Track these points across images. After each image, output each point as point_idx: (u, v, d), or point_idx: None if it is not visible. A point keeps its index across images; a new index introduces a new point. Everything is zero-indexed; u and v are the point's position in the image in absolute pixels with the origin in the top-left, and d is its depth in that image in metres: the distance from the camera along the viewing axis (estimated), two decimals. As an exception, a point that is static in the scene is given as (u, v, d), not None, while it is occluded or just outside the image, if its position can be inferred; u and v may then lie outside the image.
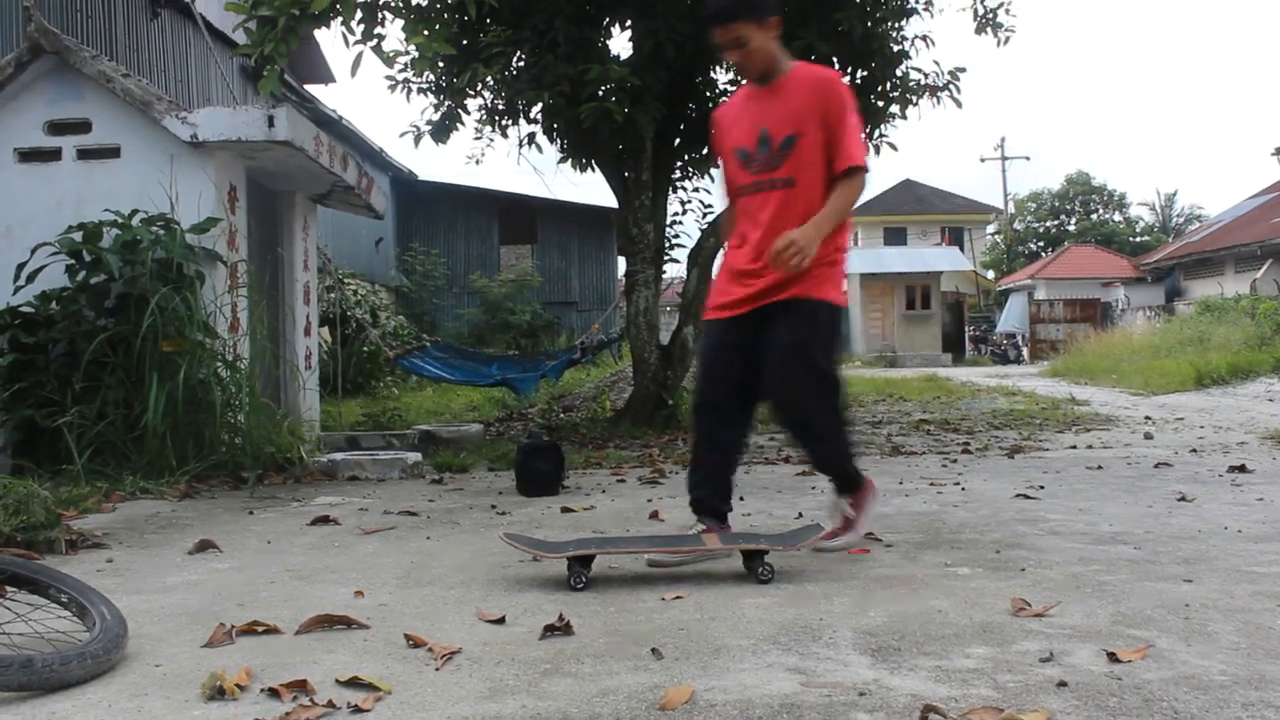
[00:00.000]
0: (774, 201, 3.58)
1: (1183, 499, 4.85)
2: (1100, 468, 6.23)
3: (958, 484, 5.56)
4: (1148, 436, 8.38)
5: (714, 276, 3.74)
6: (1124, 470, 6.13)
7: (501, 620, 2.76)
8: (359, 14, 6.39)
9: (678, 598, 3.00)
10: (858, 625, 2.67)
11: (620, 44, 40.80)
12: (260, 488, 5.67)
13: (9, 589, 2.64)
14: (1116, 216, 56.42)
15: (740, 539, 3.51)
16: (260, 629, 2.70)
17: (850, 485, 3.78)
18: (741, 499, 5.01)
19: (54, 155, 6.61)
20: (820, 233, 3.42)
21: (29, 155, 6.62)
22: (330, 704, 2.09)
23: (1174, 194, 63.04)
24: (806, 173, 3.55)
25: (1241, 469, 5.94)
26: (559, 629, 2.63)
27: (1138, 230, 55.27)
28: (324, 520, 4.53)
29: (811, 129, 3.54)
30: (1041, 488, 5.32)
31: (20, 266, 6.03)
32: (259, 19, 6.28)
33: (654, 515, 4.55)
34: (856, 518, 3.77)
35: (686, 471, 3.85)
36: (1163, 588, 3.03)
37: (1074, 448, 7.54)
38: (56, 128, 6.62)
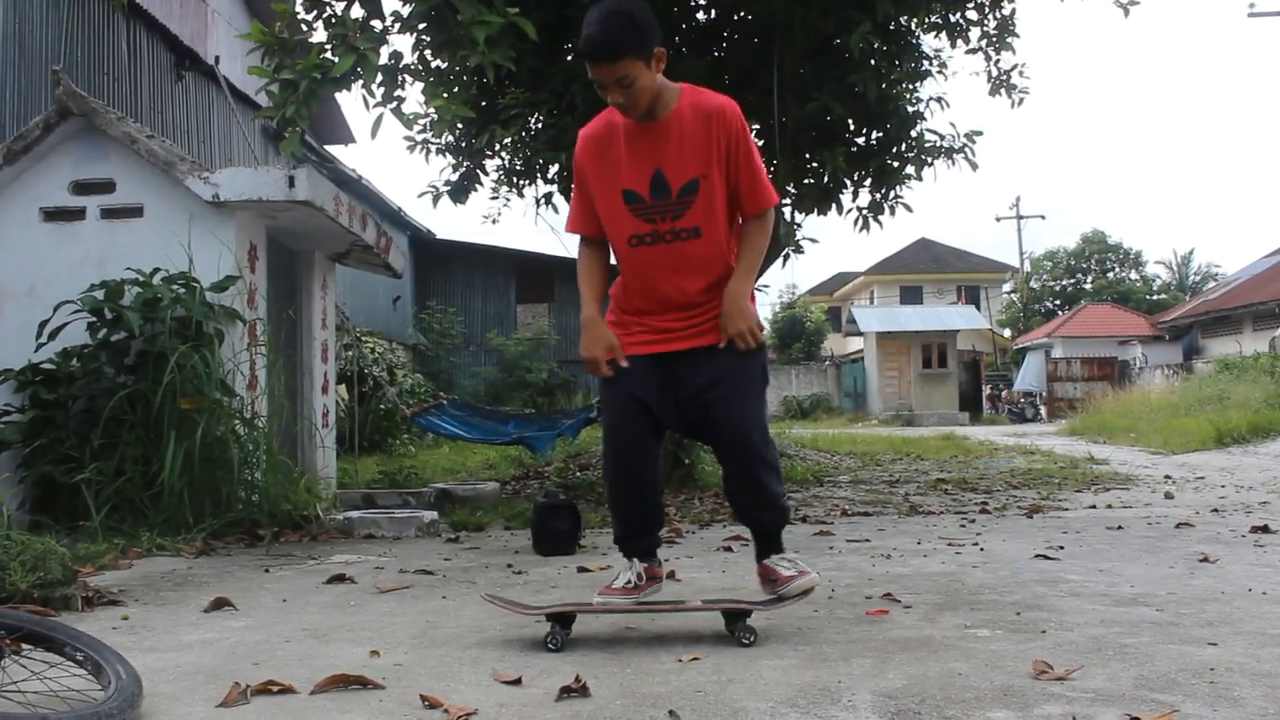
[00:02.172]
0: (676, 253, 3.29)
1: (1205, 560, 4.79)
2: (1120, 528, 6.18)
3: (976, 544, 5.52)
4: (1168, 496, 8.31)
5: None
6: (1145, 530, 6.07)
7: (518, 681, 2.74)
8: (379, 77, 6.47)
9: (695, 659, 2.97)
10: (877, 688, 2.64)
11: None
12: (276, 545, 5.67)
13: (25, 646, 2.64)
14: (1133, 275, 56.39)
15: (722, 600, 3.49)
16: (275, 689, 2.68)
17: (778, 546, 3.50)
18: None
19: (78, 215, 6.70)
20: (746, 294, 3.28)
21: (54, 215, 6.72)
22: (345, 766, 2.08)
23: (1190, 252, 63.21)
24: (711, 220, 3.27)
25: (1265, 529, 5.87)
26: (575, 690, 2.61)
27: (1154, 288, 55.19)
28: (340, 579, 4.51)
29: (714, 170, 3.23)
30: (1061, 548, 5.28)
31: (43, 324, 6.09)
32: (281, 82, 6.38)
33: (670, 575, 4.51)
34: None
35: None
36: (1186, 651, 2.99)
37: (1093, 507, 7.48)
38: (81, 187, 6.72)
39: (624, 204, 3.31)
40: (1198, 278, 56.26)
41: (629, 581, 3.35)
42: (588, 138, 3.40)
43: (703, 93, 3.30)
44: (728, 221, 3.34)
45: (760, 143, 9.95)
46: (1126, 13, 8.10)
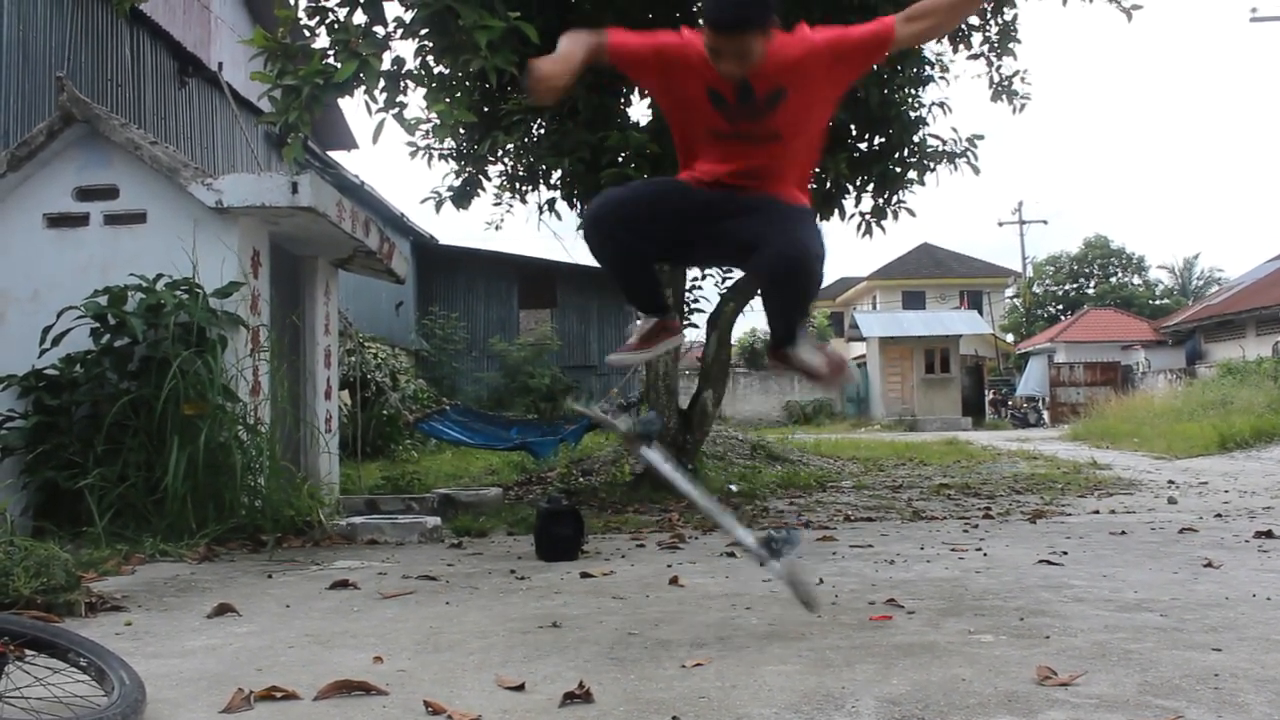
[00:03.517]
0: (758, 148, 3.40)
1: (1209, 565, 4.79)
2: (1124, 533, 6.17)
3: (979, 549, 5.51)
4: (1171, 501, 8.30)
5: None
6: (1148, 536, 6.06)
7: (521, 687, 2.74)
8: (382, 82, 6.49)
9: (698, 664, 2.97)
10: (880, 694, 2.63)
11: (640, 111, 41.32)
12: (279, 551, 5.67)
13: (29, 652, 2.64)
14: (1136, 280, 56.30)
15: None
16: (279, 694, 2.68)
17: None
18: (763, 564, 4.98)
19: (82, 221, 6.71)
20: None
21: (58, 221, 6.72)
22: (348, 772, 2.07)
23: (1195, 257, 63.00)
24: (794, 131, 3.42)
25: (1269, 534, 5.87)
26: (579, 696, 2.61)
27: (1157, 293, 55.13)
28: (343, 584, 4.51)
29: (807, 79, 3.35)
30: (1065, 553, 5.27)
31: (46, 330, 6.10)
32: (284, 88, 6.39)
33: (674, 581, 4.51)
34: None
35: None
36: (1190, 656, 2.98)
37: (1097, 513, 7.47)
38: (85, 194, 6.72)
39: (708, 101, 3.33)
40: (1201, 282, 56.20)
41: (643, 330, 3.43)
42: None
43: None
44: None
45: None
46: (1129, 17, 8.11)
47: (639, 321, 3.46)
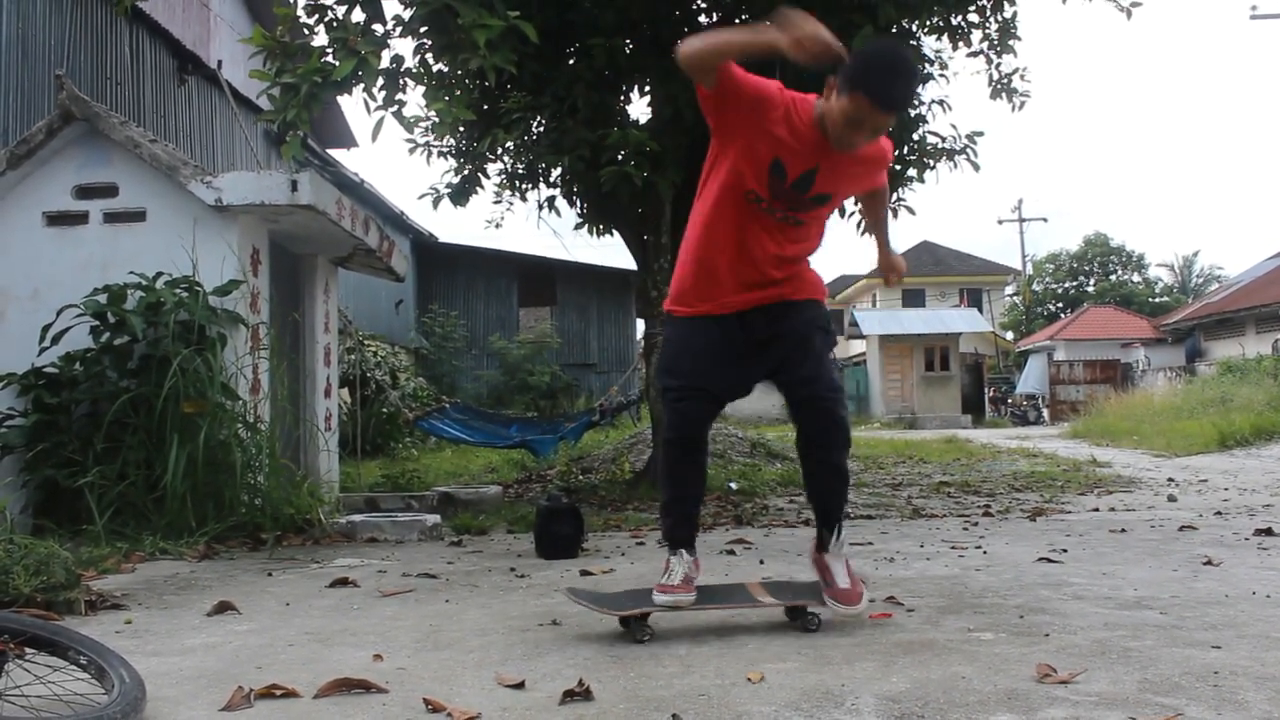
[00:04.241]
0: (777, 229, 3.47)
1: (1208, 563, 4.79)
2: (1124, 531, 6.17)
3: (979, 547, 5.51)
4: (1171, 499, 8.30)
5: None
6: (1148, 533, 6.06)
7: (521, 685, 2.74)
8: (380, 80, 6.49)
9: (698, 662, 2.97)
10: (880, 691, 2.63)
11: (640, 109, 41.31)
12: (279, 549, 5.67)
13: (29, 650, 2.64)
14: (1135, 277, 56.36)
15: (787, 591, 3.59)
16: (279, 692, 2.68)
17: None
18: (762, 563, 4.99)
19: (81, 219, 6.71)
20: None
21: (57, 219, 6.72)
22: (348, 770, 2.07)
23: (1194, 255, 62.96)
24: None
25: (1268, 532, 5.87)
26: (578, 694, 2.61)
27: (1157, 291, 55.16)
28: (343, 582, 4.51)
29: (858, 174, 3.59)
30: (1064, 551, 5.27)
31: (46, 328, 6.09)
32: (282, 86, 6.38)
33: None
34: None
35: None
36: (1190, 654, 2.98)
37: (1096, 510, 7.47)
38: (84, 192, 6.72)
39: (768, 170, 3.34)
40: (1200, 280, 56.26)
41: (685, 570, 3.41)
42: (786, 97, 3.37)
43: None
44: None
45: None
46: (1129, 15, 8.10)
47: (671, 558, 3.43)
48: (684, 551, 3.43)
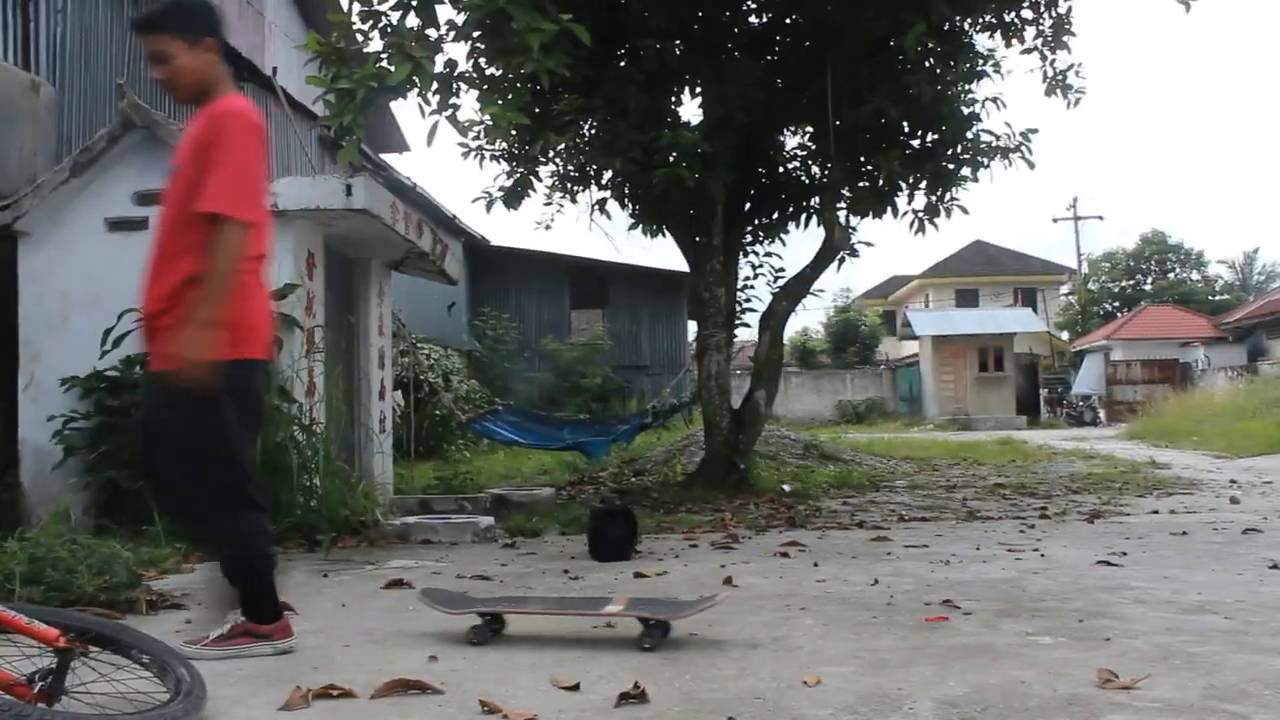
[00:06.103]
0: (153, 239, 3.40)
1: (1275, 567, 4.69)
2: (1185, 534, 6.06)
3: (1036, 550, 5.44)
4: (1234, 501, 8.14)
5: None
6: (1210, 536, 5.95)
7: (576, 687, 2.75)
8: (435, 85, 6.54)
9: (754, 665, 2.95)
10: (938, 696, 2.61)
11: (691, 110, 41.31)
12: (334, 550, 5.72)
13: (93, 648, 2.68)
14: (1194, 275, 55.32)
15: (644, 605, 3.51)
16: (335, 693, 2.71)
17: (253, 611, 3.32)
18: (816, 565, 4.96)
19: (142, 224, 6.80)
20: (210, 321, 3.11)
21: (118, 224, 6.84)
22: (406, 770, 2.09)
23: (1255, 251, 61.76)
24: (168, 213, 3.42)
25: (1335, 536, 5.74)
26: (634, 697, 2.61)
27: (1217, 289, 54.10)
28: (398, 584, 4.55)
29: (188, 166, 3.30)
30: (1124, 554, 5.19)
31: (107, 332, 6.20)
32: (338, 91, 6.45)
33: (727, 581, 4.50)
34: (231, 640, 3.25)
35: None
36: (1257, 660, 2.92)
37: (1156, 513, 7.35)
38: (144, 198, 6.82)
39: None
40: (1262, 277, 55.14)
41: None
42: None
43: (229, 97, 3.35)
44: (186, 224, 3.36)
45: (813, 146, 9.92)
46: (1188, 8, 7.98)
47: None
48: None
